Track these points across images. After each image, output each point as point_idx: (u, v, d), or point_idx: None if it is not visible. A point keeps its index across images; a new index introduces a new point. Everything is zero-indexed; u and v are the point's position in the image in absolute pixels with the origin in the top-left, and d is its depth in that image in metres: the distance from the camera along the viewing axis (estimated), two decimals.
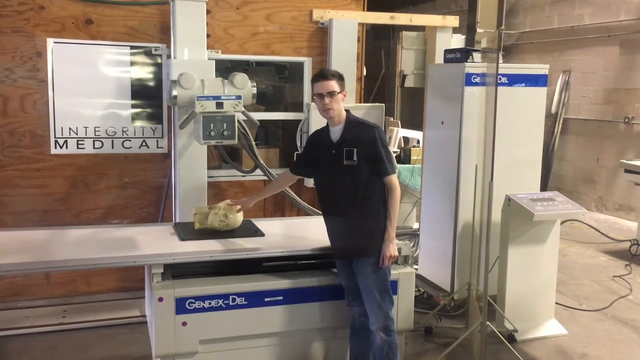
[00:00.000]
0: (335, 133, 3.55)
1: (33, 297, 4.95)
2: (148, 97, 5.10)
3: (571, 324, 4.88)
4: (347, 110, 3.57)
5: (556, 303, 4.90)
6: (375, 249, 3.50)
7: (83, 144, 4.96)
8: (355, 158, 3.46)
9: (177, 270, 3.65)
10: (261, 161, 4.95)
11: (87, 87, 4.93)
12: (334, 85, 3.46)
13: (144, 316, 4.34)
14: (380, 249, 3.49)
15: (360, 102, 5.61)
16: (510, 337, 4.47)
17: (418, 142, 6.76)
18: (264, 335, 3.69)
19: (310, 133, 5.25)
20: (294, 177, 3.99)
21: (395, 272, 3.73)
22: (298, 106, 5.60)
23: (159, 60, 5.08)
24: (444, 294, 4.88)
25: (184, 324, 3.46)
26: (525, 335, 4.56)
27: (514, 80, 4.75)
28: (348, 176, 3.49)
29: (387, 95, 9.94)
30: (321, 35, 5.46)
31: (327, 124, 3.62)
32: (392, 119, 7.43)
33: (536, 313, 4.69)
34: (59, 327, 4.50)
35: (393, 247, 3.49)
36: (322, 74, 3.53)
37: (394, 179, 3.52)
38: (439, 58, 5.70)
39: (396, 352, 3.54)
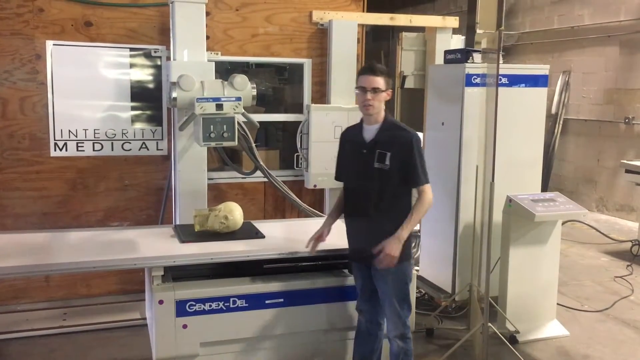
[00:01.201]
0: (370, 132, 3.42)
1: (33, 299, 4.94)
2: (148, 99, 5.09)
3: (573, 325, 4.87)
4: (385, 111, 3.44)
5: (558, 304, 4.89)
6: (398, 258, 3.41)
7: (83, 147, 4.95)
8: (387, 162, 3.33)
9: (177, 273, 3.64)
10: (261, 163, 4.94)
11: (86, 89, 4.92)
12: (380, 82, 3.32)
13: (145, 319, 4.34)
14: (402, 258, 3.36)
15: None
16: (512, 339, 4.46)
17: None
18: (264, 338, 3.68)
19: (310, 134, 5.25)
20: None
21: None
22: (298, 107, 5.59)
23: (159, 62, 5.07)
24: (445, 295, 4.87)
25: (185, 326, 3.45)
26: (526, 336, 4.55)
27: (514, 80, 4.75)
28: (377, 179, 3.36)
29: None
30: (321, 36, 5.45)
31: (361, 120, 3.49)
32: None
33: (538, 314, 4.67)
34: (59, 330, 4.49)
35: (397, 247, 3.30)
36: (370, 67, 3.38)
37: (427, 189, 3.38)
38: (439, 59, 5.69)
39: (411, 358, 3.50)
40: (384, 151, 3.35)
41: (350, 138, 3.54)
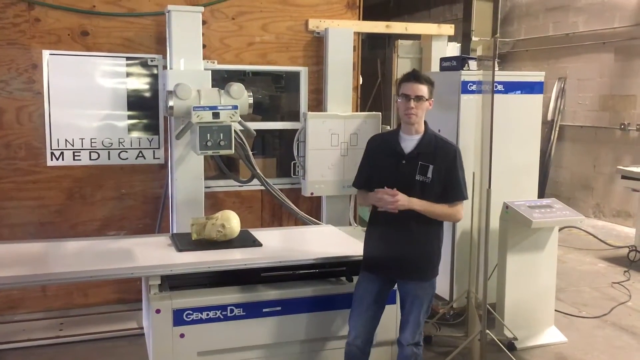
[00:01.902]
0: (409, 142, 3.33)
1: (30, 310, 4.92)
2: (144, 108, 5.09)
3: (571, 331, 4.87)
4: (425, 121, 3.37)
5: (555, 310, 4.89)
6: (432, 274, 3.40)
7: (79, 156, 4.95)
8: (429, 175, 3.25)
9: (174, 282, 3.63)
10: (258, 171, 4.94)
11: (83, 98, 4.91)
12: (424, 90, 3.26)
13: (142, 328, 4.32)
14: (434, 274, 3.40)
15: (356, 111, 5.61)
16: (510, 346, 4.45)
17: None
18: (262, 347, 3.66)
19: (307, 142, 5.26)
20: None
21: None
22: (295, 115, 5.59)
23: (155, 71, 5.08)
24: (443, 302, 4.87)
25: (182, 335, 3.44)
26: (525, 343, 4.54)
27: (510, 87, 4.76)
28: (418, 193, 3.26)
29: (384, 104, 9.96)
30: (317, 44, 5.47)
31: (398, 129, 3.41)
32: (388, 127, 7.42)
33: (536, 320, 4.67)
34: (56, 341, 4.47)
35: (405, 204, 3.20)
36: (414, 75, 3.31)
37: (462, 208, 3.37)
38: (435, 66, 5.71)
39: None
40: (426, 163, 3.27)
41: (385, 147, 3.40)
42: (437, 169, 3.28)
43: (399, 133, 3.40)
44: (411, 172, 3.28)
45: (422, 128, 3.36)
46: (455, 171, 3.32)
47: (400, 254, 3.35)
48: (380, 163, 3.40)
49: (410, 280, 3.40)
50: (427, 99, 3.29)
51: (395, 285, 3.54)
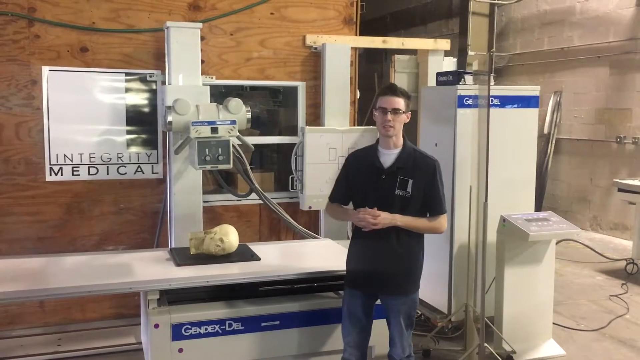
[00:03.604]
0: (389, 157, 3.33)
1: (28, 325, 4.90)
2: (143, 123, 5.12)
3: (569, 345, 4.86)
4: (404, 135, 3.37)
5: (553, 323, 4.89)
6: (414, 288, 3.41)
7: (78, 171, 4.96)
8: (409, 189, 3.26)
9: (173, 296, 3.63)
10: (256, 185, 4.96)
11: (82, 114, 4.94)
12: (400, 102, 3.26)
13: (140, 343, 4.31)
14: (415, 289, 3.41)
15: (354, 125, 5.64)
16: (508, 359, 4.45)
17: None
18: None
19: (304, 156, 5.28)
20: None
21: None
22: (293, 130, 5.62)
23: (154, 87, 5.11)
24: (441, 315, 4.87)
25: (181, 350, 3.44)
26: (523, 356, 4.54)
27: (505, 101, 4.80)
28: (398, 208, 3.27)
29: None
30: (314, 59, 5.51)
31: (377, 144, 3.39)
32: None
33: (534, 334, 4.67)
34: (54, 356, 4.45)
35: (386, 221, 3.22)
36: (391, 88, 3.32)
37: (445, 219, 3.39)
38: (432, 81, 5.75)
39: None
40: (405, 178, 3.27)
41: (364, 162, 3.39)
42: (417, 183, 3.28)
43: (377, 148, 3.39)
44: (391, 187, 3.28)
45: (400, 142, 3.36)
46: (435, 185, 3.33)
47: (382, 269, 3.35)
48: (360, 178, 3.39)
49: (392, 296, 3.40)
50: (404, 112, 3.29)
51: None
